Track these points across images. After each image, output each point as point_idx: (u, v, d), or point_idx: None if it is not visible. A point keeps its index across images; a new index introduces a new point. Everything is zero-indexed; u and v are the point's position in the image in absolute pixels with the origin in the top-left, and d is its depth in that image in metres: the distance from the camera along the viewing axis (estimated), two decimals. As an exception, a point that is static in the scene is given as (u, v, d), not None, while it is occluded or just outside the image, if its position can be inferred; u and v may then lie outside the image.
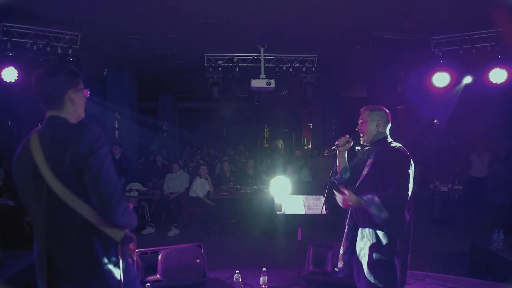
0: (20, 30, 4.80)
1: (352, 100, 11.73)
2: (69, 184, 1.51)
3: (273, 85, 6.00)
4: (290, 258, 4.60)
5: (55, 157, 1.51)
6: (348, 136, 2.53)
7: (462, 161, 8.26)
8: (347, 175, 2.55)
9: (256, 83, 6.00)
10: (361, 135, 2.47)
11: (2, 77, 4.94)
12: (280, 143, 8.73)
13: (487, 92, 5.74)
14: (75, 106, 1.67)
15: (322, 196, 3.83)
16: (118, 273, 1.60)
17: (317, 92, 6.88)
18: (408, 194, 2.15)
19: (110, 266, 1.59)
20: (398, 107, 8.20)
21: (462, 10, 4.46)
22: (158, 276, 3.50)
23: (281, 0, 4.21)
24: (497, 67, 5.09)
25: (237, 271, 3.52)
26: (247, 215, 6.74)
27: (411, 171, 2.22)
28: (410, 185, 2.17)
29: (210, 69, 6.31)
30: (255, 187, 6.74)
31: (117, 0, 4.19)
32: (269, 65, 6.29)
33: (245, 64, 6.33)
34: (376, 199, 2.12)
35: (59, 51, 5.07)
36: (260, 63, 6.12)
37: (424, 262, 4.30)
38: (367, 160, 2.37)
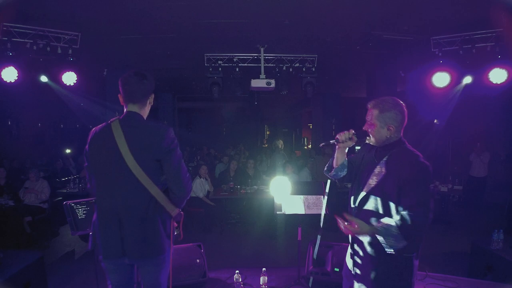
0: (20, 30, 4.79)
1: (352, 100, 11.74)
2: (146, 168, 1.89)
3: (273, 85, 6.00)
4: (290, 258, 4.60)
5: (140, 146, 1.90)
6: (353, 132, 2.11)
7: (462, 161, 8.26)
8: (344, 172, 2.25)
9: (256, 83, 6.00)
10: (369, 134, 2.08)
11: (2, 77, 4.95)
12: (280, 143, 8.73)
13: (487, 92, 5.74)
14: (149, 107, 2.11)
15: (322, 196, 3.83)
16: (169, 244, 2.01)
17: (317, 92, 6.88)
18: (431, 217, 1.81)
19: (165, 237, 1.99)
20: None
21: (462, 10, 4.45)
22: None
23: (281, 0, 4.21)
24: (497, 67, 5.10)
25: (237, 271, 3.52)
26: (247, 215, 6.74)
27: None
28: (432, 206, 1.83)
29: (210, 69, 6.30)
30: (255, 187, 6.74)
31: (116, 0, 4.18)
32: (269, 65, 6.29)
33: (245, 64, 6.33)
34: (394, 229, 1.78)
35: (59, 51, 5.08)
36: (260, 63, 6.12)
37: (424, 262, 4.28)
38: (375, 165, 2.00)
